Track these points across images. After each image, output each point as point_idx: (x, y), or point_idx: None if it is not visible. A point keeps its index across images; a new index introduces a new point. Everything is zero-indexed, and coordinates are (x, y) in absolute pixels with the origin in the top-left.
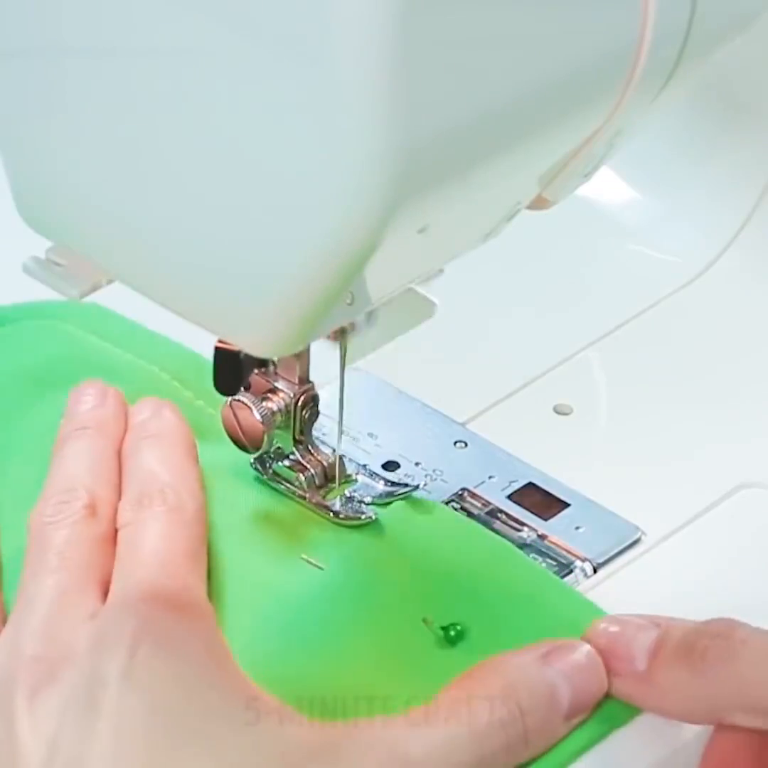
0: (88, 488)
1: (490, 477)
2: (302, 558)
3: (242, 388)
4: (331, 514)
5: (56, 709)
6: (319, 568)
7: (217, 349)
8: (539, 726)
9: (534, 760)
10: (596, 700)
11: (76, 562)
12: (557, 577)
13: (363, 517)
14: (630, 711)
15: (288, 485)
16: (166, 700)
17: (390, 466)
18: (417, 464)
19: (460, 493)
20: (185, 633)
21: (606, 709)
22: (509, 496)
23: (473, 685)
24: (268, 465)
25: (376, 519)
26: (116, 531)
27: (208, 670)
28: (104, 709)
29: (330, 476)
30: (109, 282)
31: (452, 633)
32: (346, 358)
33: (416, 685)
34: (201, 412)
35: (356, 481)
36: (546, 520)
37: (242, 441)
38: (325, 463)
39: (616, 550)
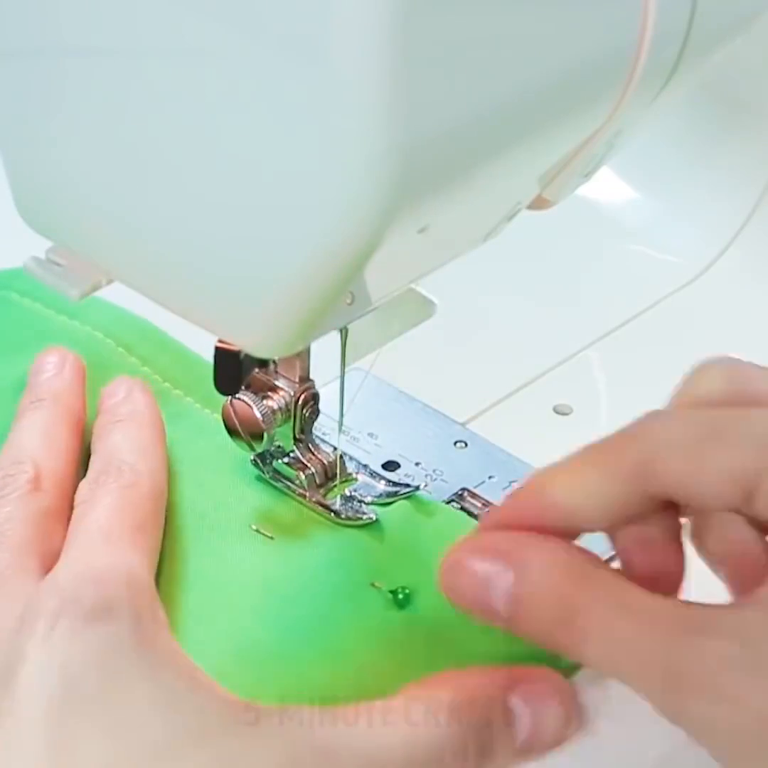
0: (35, 461)
1: (490, 477)
2: (252, 528)
3: (242, 387)
4: (332, 513)
5: None
6: (270, 537)
7: (217, 349)
8: (482, 751)
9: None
10: (560, 740)
11: (16, 541)
12: None
13: (364, 517)
14: None
15: (288, 483)
16: (74, 672)
17: (390, 466)
18: (417, 464)
19: (460, 493)
20: (111, 608)
21: None
22: None
23: (429, 695)
24: (268, 463)
25: (376, 519)
26: (67, 503)
27: (126, 642)
28: (14, 689)
29: (330, 474)
30: (109, 282)
31: (400, 596)
32: (346, 358)
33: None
34: (147, 379)
35: (356, 479)
36: None
37: (243, 439)
38: (325, 462)
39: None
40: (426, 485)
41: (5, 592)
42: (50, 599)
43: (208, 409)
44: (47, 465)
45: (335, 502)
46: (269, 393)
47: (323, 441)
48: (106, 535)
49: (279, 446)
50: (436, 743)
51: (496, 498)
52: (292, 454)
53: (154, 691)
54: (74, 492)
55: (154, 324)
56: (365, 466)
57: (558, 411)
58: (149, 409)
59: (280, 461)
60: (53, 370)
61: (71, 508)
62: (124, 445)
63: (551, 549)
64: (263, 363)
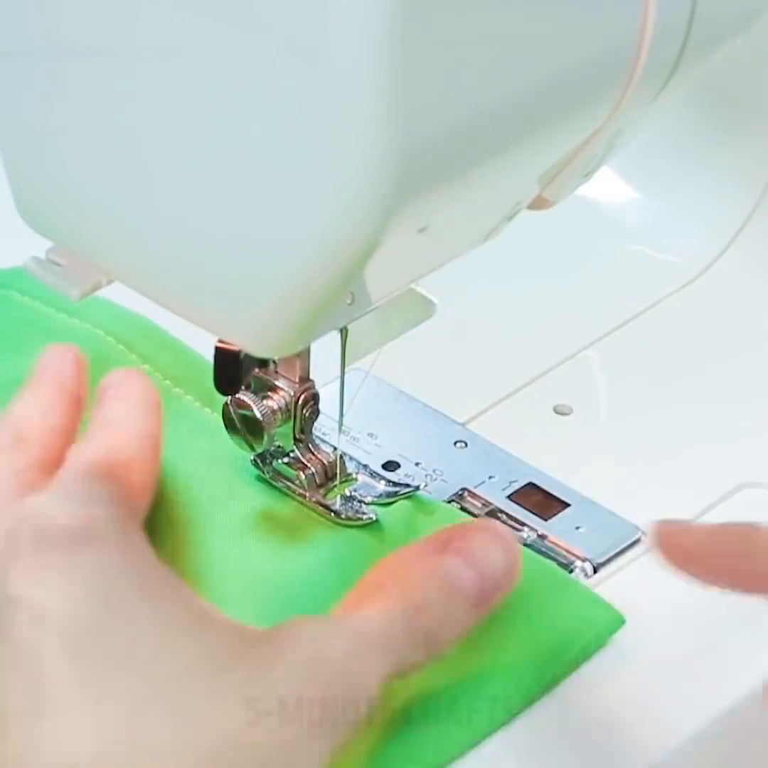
0: (18, 419)
1: (490, 477)
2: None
3: (242, 387)
4: (332, 513)
5: None
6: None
7: (217, 349)
8: (441, 619)
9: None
10: (509, 581)
11: None
12: (562, 570)
13: (364, 517)
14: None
15: (288, 483)
16: (73, 607)
17: (390, 466)
18: (417, 464)
19: (460, 493)
20: (91, 529)
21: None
22: (509, 496)
23: (368, 589)
24: (268, 463)
25: (377, 519)
26: (55, 458)
27: (117, 567)
28: (15, 636)
29: (330, 474)
30: (109, 282)
31: None
32: (346, 358)
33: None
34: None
35: (356, 479)
36: (546, 520)
37: (243, 439)
38: (325, 462)
39: (616, 550)
40: (426, 485)
41: None
42: (25, 524)
43: (208, 408)
44: (34, 425)
45: (335, 502)
46: (269, 393)
47: (323, 441)
48: (91, 469)
49: (279, 446)
50: (400, 633)
51: (496, 498)
52: (292, 454)
53: (159, 621)
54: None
55: (154, 322)
56: (365, 466)
57: (558, 411)
58: (143, 384)
59: (280, 461)
60: (57, 361)
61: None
62: (116, 412)
63: None
64: (263, 363)
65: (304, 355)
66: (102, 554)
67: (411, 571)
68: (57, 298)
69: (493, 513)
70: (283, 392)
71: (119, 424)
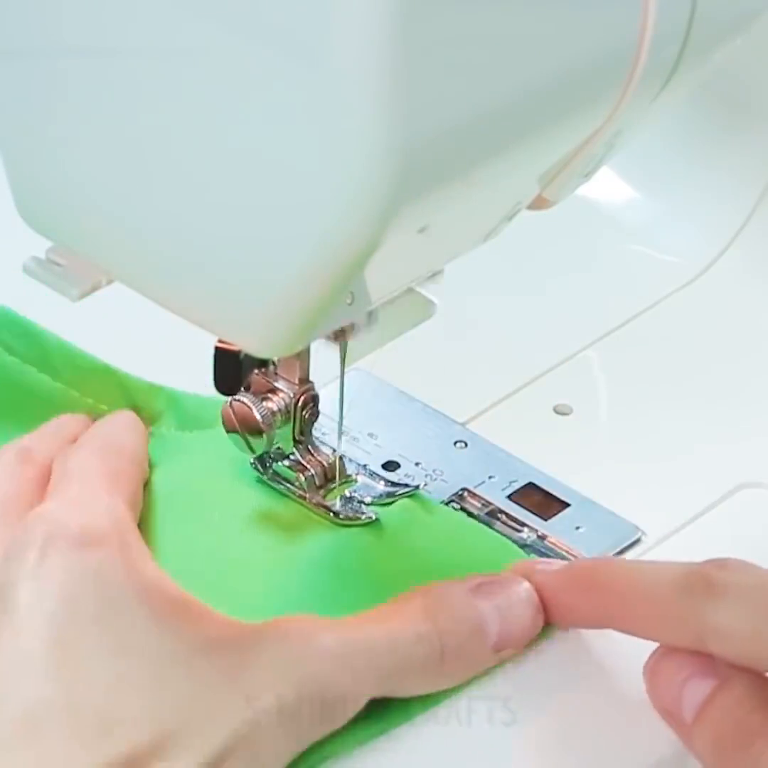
0: (27, 445)
1: (490, 477)
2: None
3: (242, 388)
4: (331, 514)
5: None
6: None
7: (217, 349)
8: (458, 649)
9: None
10: (530, 636)
11: (1, 499)
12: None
13: (363, 517)
14: None
15: (288, 485)
16: (72, 594)
17: (390, 466)
18: (417, 464)
19: (460, 493)
20: (99, 536)
21: None
22: (509, 496)
23: (395, 604)
24: (268, 465)
25: (376, 519)
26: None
27: (118, 567)
28: (12, 611)
29: (330, 476)
30: (109, 282)
31: None
32: (346, 358)
33: None
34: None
35: (356, 481)
36: (546, 520)
37: (242, 440)
38: (325, 464)
39: (616, 550)
40: (426, 485)
41: None
42: (37, 527)
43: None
44: (41, 448)
45: (335, 503)
46: (269, 394)
47: (323, 442)
48: (84, 478)
49: (279, 448)
50: (413, 640)
51: (496, 498)
52: (291, 456)
53: (151, 614)
54: None
55: (114, 367)
56: (365, 466)
57: (558, 411)
58: (129, 415)
59: (280, 463)
60: (65, 419)
61: None
62: (105, 429)
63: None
64: (263, 364)
65: (304, 357)
66: (104, 555)
67: (440, 599)
68: (22, 347)
69: (493, 513)
70: (283, 394)
71: (107, 436)
